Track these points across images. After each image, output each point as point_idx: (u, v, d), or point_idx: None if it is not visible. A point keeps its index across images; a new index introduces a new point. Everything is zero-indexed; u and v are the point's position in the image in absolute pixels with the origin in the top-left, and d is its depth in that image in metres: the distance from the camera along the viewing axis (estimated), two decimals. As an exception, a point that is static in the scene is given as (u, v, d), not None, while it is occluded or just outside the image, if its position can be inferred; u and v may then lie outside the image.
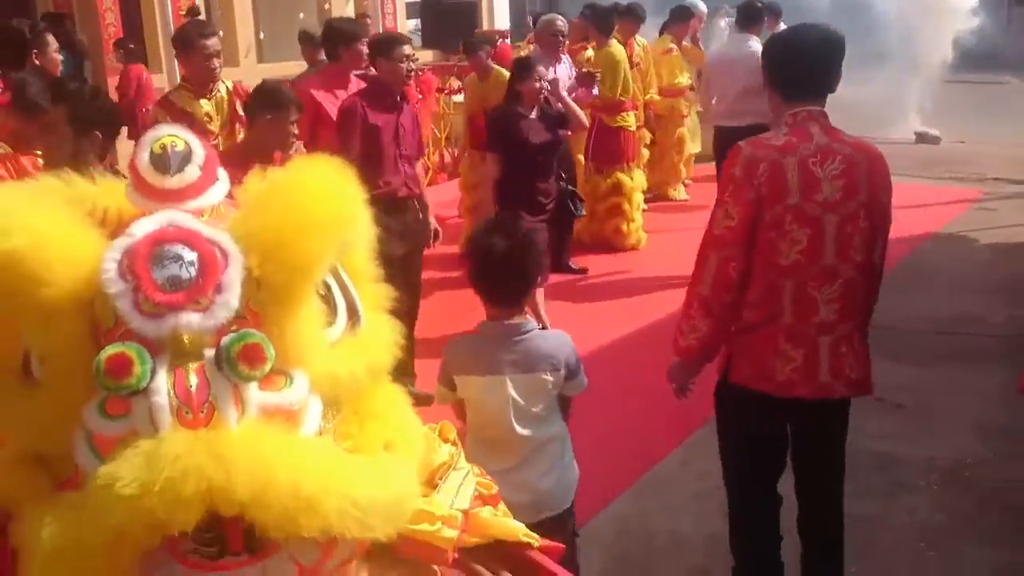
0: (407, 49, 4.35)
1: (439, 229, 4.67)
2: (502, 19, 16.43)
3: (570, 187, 5.79)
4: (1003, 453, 3.77)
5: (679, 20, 8.59)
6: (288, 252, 0.98)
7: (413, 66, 4.55)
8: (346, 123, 4.23)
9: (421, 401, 1.51)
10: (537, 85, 4.89)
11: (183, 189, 1.02)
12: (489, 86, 6.50)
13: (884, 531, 3.22)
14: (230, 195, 1.09)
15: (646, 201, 7.69)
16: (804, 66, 2.45)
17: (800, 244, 2.36)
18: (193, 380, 0.93)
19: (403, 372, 4.01)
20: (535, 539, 1.32)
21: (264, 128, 3.59)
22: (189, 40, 4.29)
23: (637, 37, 7.87)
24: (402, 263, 4.14)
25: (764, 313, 2.43)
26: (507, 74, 6.43)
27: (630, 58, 7.37)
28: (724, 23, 9.39)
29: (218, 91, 4.42)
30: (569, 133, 5.43)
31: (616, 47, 7.01)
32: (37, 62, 4.22)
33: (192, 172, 1.03)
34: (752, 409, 2.53)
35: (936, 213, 7.96)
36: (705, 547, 3.17)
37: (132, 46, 8.91)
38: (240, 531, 0.97)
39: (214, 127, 4.36)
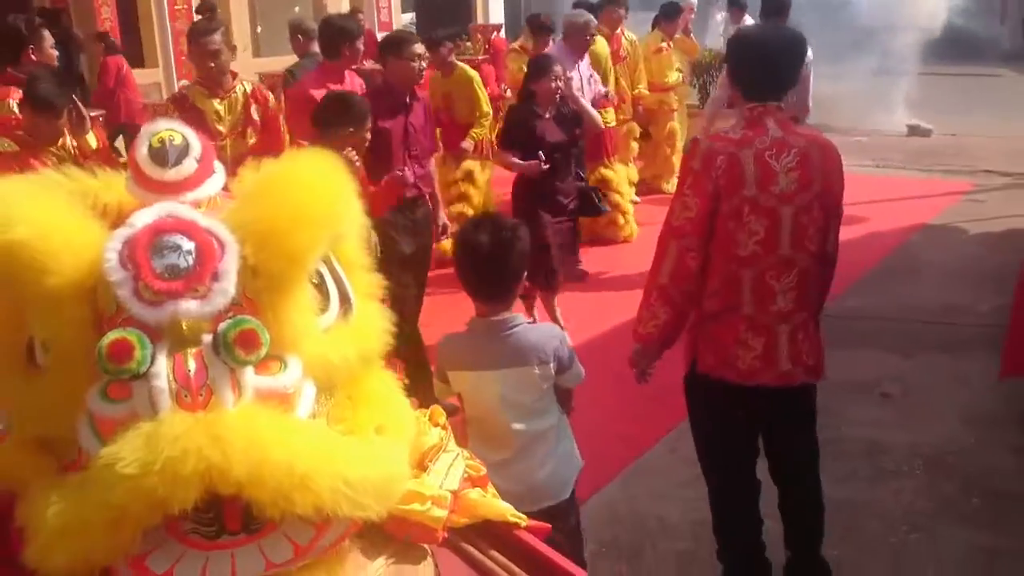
0: (419, 48, 4.34)
1: (448, 224, 4.70)
2: (496, 13, 16.37)
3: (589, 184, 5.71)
4: (985, 440, 3.84)
5: (669, 16, 8.60)
6: (282, 242, 1.03)
7: (424, 65, 4.52)
8: None
9: (451, 412, 1.55)
10: (552, 85, 4.82)
11: (181, 181, 1.07)
12: (451, 83, 6.49)
13: (868, 515, 3.28)
14: (225, 187, 1.13)
15: (638, 193, 7.72)
16: (765, 69, 2.53)
17: (758, 235, 2.43)
18: (191, 365, 0.98)
19: (418, 364, 4.05)
20: (522, 519, 1.37)
21: (344, 140, 3.54)
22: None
23: (625, 31, 7.87)
24: (411, 259, 4.17)
25: (724, 302, 2.50)
26: (471, 72, 6.45)
27: (616, 52, 7.39)
28: (720, 17, 9.42)
29: (234, 92, 4.38)
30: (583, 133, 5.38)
31: (599, 43, 7.03)
32: (34, 57, 4.23)
33: (189, 165, 1.07)
34: (719, 397, 2.61)
35: (926, 205, 8.02)
36: (692, 532, 3.23)
37: (113, 39, 8.99)
38: (237, 511, 1.01)
39: (223, 127, 4.33)
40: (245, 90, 4.41)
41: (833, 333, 2.77)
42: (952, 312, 5.38)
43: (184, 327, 0.98)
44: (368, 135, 3.64)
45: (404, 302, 4.00)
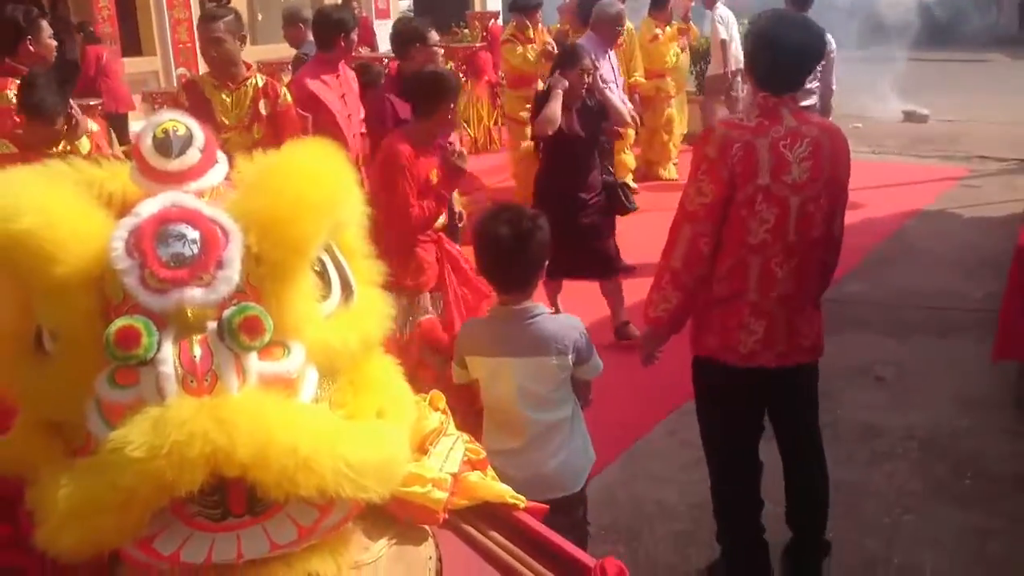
0: (436, 36, 4.31)
1: (463, 212, 4.68)
2: (494, 0, 16.30)
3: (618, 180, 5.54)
4: (978, 422, 3.88)
5: (658, 6, 8.59)
6: (284, 230, 1.04)
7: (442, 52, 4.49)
8: (379, 121, 4.20)
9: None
10: (582, 79, 4.70)
11: (185, 171, 1.08)
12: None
13: (863, 496, 3.33)
14: (227, 177, 1.15)
15: (635, 180, 7.74)
16: (784, 66, 2.53)
17: (768, 223, 2.46)
18: (197, 351, 1.00)
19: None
20: (521, 500, 1.39)
21: (444, 116, 3.64)
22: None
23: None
24: None
25: (731, 288, 2.53)
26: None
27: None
28: (720, 3, 9.37)
29: (245, 85, 4.24)
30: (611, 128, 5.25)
31: None
32: (31, 49, 4.21)
33: (193, 155, 1.09)
34: (720, 379, 2.65)
35: (922, 191, 8.05)
36: (690, 515, 3.26)
37: (91, 28, 8.97)
38: (242, 493, 1.03)
39: (228, 120, 4.25)
40: (256, 84, 4.28)
41: (828, 317, 2.81)
42: (946, 297, 5.42)
43: (189, 314, 1.00)
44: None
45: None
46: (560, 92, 4.61)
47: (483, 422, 2.56)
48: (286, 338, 1.05)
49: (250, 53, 10.11)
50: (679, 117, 9.01)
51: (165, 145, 1.08)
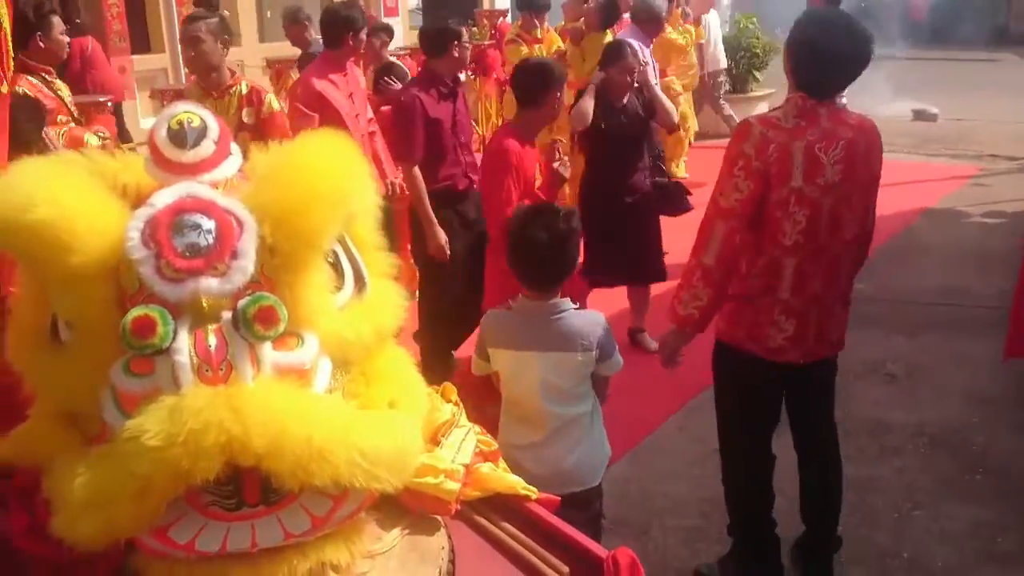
0: (464, 33, 4.28)
1: None
2: (503, -2, 16.28)
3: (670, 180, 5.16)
4: (988, 419, 3.87)
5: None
6: (298, 221, 1.05)
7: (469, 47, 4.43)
8: (408, 120, 4.02)
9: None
10: (624, 78, 4.50)
11: (199, 163, 1.09)
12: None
13: (873, 492, 3.32)
14: (240, 169, 1.15)
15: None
16: (829, 75, 2.49)
17: (801, 225, 2.45)
18: (212, 340, 1.00)
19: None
20: (533, 492, 1.39)
21: (551, 105, 3.65)
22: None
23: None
24: (463, 257, 3.99)
25: (764, 286, 2.52)
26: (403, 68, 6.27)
27: None
28: (727, 2, 9.34)
29: (230, 93, 4.04)
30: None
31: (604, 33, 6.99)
32: (41, 44, 4.20)
33: (207, 147, 1.10)
34: (744, 369, 2.64)
35: (931, 189, 8.01)
36: (700, 509, 3.26)
37: (79, 20, 8.92)
38: (257, 483, 1.03)
39: None
40: (241, 92, 4.06)
41: (839, 314, 2.81)
42: (956, 294, 5.40)
43: (205, 304, 1.00)
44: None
45: (465, 309, 3.80)
46: (593, 87, 4.56)
47: (500, 416, 2.55)
48: (300, 329, 1.06)
49: (258, 50, 10.14)
50: (690, 114, 9.01)
51: (180, 136, 1.08)
